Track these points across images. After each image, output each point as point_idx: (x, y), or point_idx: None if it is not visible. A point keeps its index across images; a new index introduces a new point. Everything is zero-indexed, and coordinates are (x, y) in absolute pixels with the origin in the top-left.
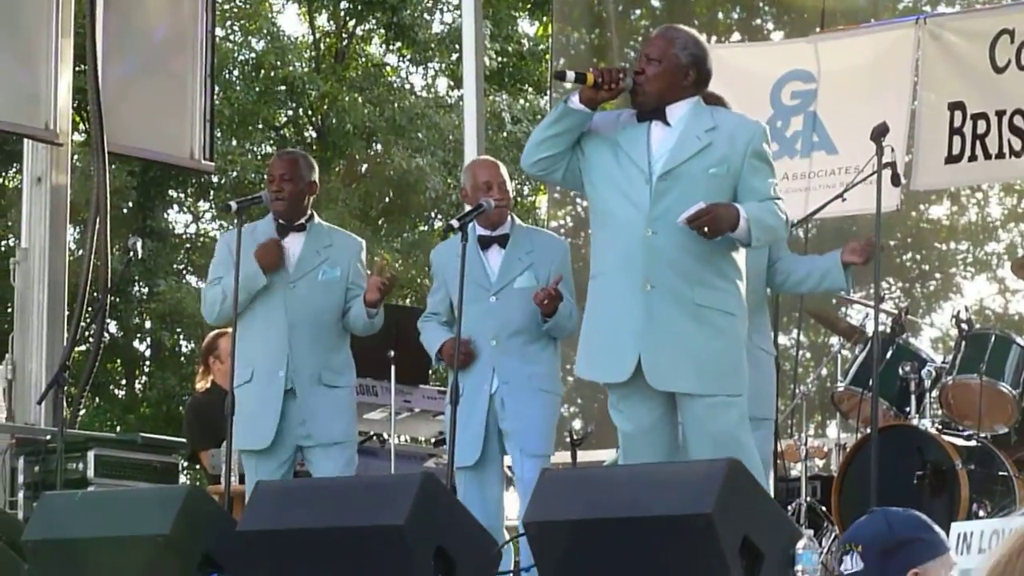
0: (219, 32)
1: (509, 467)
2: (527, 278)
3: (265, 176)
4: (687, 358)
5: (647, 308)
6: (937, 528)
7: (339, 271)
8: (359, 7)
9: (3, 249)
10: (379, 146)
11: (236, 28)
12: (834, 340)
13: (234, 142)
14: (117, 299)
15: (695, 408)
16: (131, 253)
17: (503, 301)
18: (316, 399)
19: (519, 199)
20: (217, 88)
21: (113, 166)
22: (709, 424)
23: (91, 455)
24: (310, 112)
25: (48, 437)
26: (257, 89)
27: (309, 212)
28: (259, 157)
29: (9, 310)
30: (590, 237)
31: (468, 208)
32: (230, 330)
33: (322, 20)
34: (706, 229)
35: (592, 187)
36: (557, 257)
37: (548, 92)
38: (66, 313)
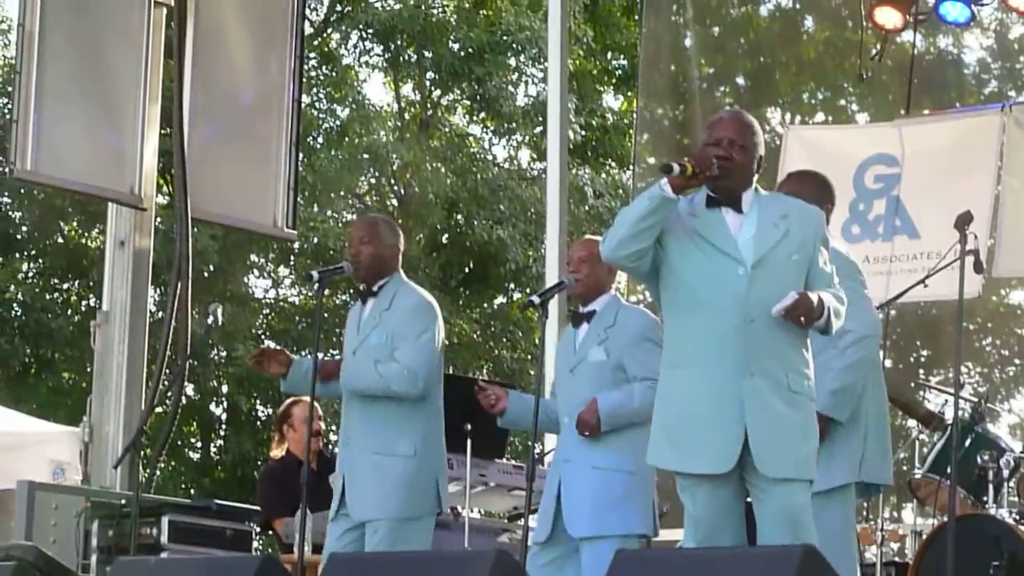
0: (304, 99)
1: None
2: (599, 351)
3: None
4: (789, 444)
5: (751, 396)
6: None
7: (385, 336)
8: (445, 78)
9: (84, 309)
10: (460, 216)
11: (321, 95)
12: (912, 424)
13: (316, 208)
14: (195, 362)
15: (778, 491)
16: (210, 320)
17: (578, 375)
18: (362, 471)
19: None
20: (301, 154)
21: (195, 229)
22: (788, 507)
23: (165, 520)
24: (392, 180)
25: (123, 501)
26: (341, 156)
27: (391, 276)
28: (341, 224)
29: (88, 371)
30: (666, 326)
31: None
32: (305, 398)
33: (407, 89)
34: (802, 319)
35: (674, 276)
36: (635, 330)
37: (632, 166)
38: (144, 375)
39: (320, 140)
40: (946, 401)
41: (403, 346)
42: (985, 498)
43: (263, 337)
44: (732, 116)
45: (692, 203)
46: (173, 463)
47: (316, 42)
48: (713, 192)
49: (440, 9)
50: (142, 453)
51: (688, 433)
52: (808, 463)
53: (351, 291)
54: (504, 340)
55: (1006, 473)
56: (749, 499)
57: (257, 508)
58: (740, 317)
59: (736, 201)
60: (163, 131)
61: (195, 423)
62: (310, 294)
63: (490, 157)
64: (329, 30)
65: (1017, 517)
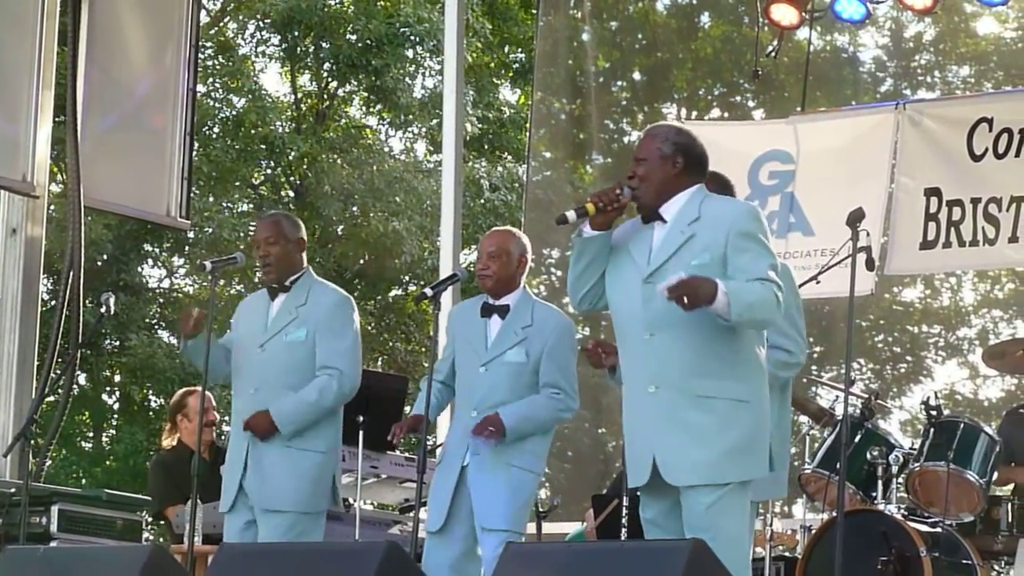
0: (200, 89)
1: None
2: (518, 352)
3: (251, 241)
4: (692, 452)
5: (655, 409)
6: None
7: (305, 331)
8: (342, 69)
9: None
10: (356, 208)
11: (218, 85)
12: (803, 420)
13: (211, 199)
14: (88, 351)
15: (687, 498)
16: (103, 309)
17: (492, 372)
18: (272, 462)
19: None
20: (196, 144)
21: (89, 218)
22: (694, 512)
23: (55, 510)
24: (288, 172)
25: (12, 490)
26: (236, 147)
27: (301, 270)
28: (236, 215)
29: None
30: None
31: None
32: (199, 388)
33: (304, 80)
34: (685, 300)
35: (607, 293)
36: (553, 334)
37: (528, 160)
38: (36, 364)
39: (216, 130)
40: (837, 397)
41: (330, 347)
42: (874, 494)
43: (156, 327)
44: (644, 133)
45: (637, 222)
46: (65, 452)
47: (212, 31)
48: (638, 211)
49: (338, 0)
50: (33, 442)
51: (626, 448)
52: (716, 466)
53: (245, 281)
54: (399, 332)
55: (895, 469)
56: None
57: (148, 498)
58: (642, 331)
59: (659, 214)
60: (57, 119)
61: (87, 413)
62: (204, 284)
63: (386, 149)
64: (226, 19)
65: (906, 513)
